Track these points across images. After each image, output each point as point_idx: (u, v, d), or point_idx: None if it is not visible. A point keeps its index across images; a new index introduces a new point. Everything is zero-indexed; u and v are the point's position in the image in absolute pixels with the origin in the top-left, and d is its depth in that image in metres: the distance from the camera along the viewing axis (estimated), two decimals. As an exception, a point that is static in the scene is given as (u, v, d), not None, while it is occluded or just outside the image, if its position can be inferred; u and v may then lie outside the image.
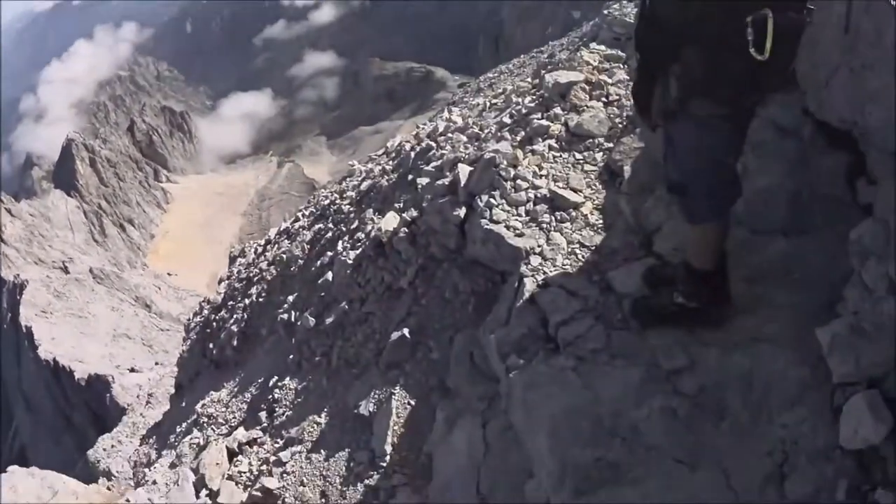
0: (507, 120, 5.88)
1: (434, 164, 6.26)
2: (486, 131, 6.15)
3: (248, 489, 5.43)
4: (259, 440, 6.23)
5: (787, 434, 2.44)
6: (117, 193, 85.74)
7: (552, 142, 4.98)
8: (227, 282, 13.77)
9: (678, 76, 2.33)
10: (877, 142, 2.51)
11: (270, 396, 6.80)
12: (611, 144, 4.72)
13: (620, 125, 4.85)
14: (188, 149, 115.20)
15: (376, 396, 5.15)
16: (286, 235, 11.95)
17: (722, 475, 2.51)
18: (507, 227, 4.33)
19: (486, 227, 4.45)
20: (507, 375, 3.45)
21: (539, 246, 4.07)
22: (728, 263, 2.90)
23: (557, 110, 5.30)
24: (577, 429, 2.88)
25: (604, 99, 5.29)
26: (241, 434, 6.40)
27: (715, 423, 2.68)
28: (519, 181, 4.62)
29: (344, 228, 8.62)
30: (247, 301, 10.87)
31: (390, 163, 8.99)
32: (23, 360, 45.53)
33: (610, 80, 5.42)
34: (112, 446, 14.40)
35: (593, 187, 4.46)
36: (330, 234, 9.03)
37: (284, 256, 10.30)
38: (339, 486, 4.76)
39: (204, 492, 5.73)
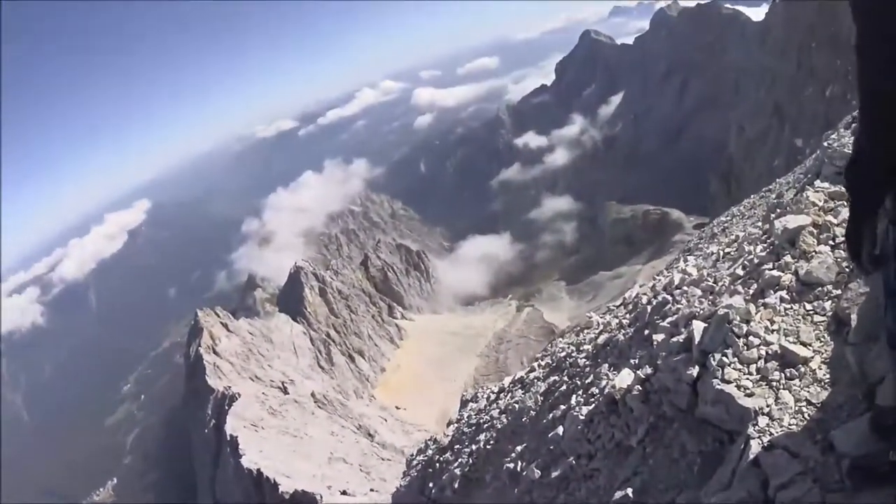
0: (739, 272, 6.25)
1: (669, 319, 6.69)
2: (720, 284, 6.51)
3: None
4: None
5: None
6: (348, 325, 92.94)
7: (783, 293, 5.23)
8: (456, 425, 14.87)
9: (890, 220, 2.47)
10: None
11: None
12: (839, 291, 4.87)
13: (848, 269, 4.98)
14: (425, 288, 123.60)
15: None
16: (520, 385, 12.80)
17: None
18: (738, 387, 4.62)
19: (717, 387, 4.78)
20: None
21: (768, 405, 4.32)
22: None
23: (788, 258, 5.57)
24: None
25: (831, 242, 5.48)
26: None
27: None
28: (751, 338, 4.92)
29: (578, 382, 9.25)
30: (474, 447, 11.72)
31: (627, 316, 9.51)
32: (220, 465, 50.49)
33: (835, 221, 5.61)
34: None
35: (822, 339, 4.61)
36: (564, 387, 9.69)
37: (517, 406, 11.09)
38: None
39: None
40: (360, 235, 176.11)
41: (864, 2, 2.07)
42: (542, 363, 12.83)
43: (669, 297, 7.58)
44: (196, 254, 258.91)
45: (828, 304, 4.89)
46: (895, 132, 2.17)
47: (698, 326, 5.62)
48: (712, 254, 8.73)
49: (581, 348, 10.61)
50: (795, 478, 3.62)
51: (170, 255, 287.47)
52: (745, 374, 4.74)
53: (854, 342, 4.15)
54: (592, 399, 7.91)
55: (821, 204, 6.00)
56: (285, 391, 61.23)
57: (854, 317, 4.32)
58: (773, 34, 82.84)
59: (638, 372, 6.69)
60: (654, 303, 7.99)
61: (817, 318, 4.86)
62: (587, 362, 9.63)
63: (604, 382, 7.94)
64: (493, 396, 14.49)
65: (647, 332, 7.66)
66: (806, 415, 4.12)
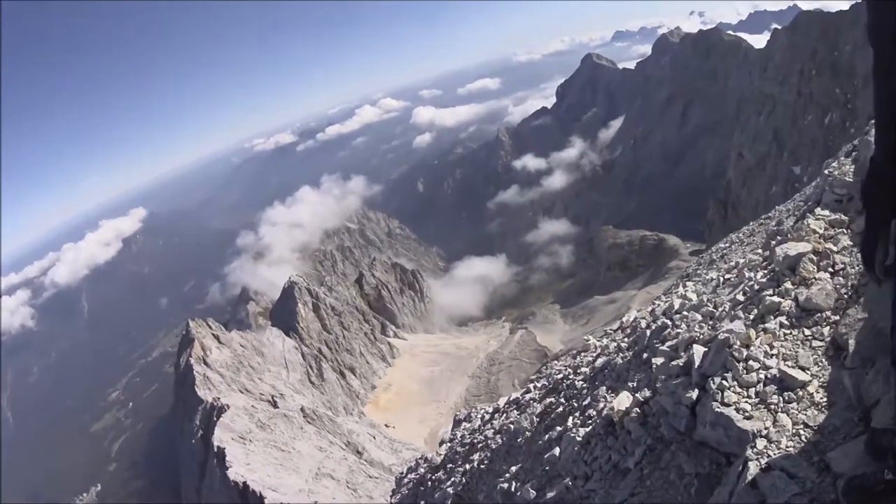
0: (740, 297, 6.37)
1: (669, 343, 6.80)
2: (720, 309, 6.66)
3: None
4: None
5: None
6: (340, 341, 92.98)
7: (783, 318, 5.36)
8: (448, 444, 14.94)
9: None
10: None
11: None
12: (837, 317, 5.01)
13: (846, 296, 5.14)
14: (418, 307, 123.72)
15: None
16: (516, 406, 12.90)
17: None
18: (737, 410, 4.74)
19: (717, 409, 4.89)
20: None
21: (766, 428, 4.44)
22: None
23: (788, 285, 5.70)
24: None
25: (830, 269, 5.63)
26: None
27: None
28: (751, 362, 5.04)
29: (576, 404, 9.36)
30: (468, 466, 11.80)
31: (625, 339, 9.64)
32: (207, 476, 50.40)
33: (835, 248, 5.76)
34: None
35: (820, 364, 4.75)
36: (561, 408, 9.80)
37: (512, 427, 11.19)
38: None
39: None
40: (356, 253, 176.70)
41: (879, 27, 2.25)
42: (539, 385, 12.93)
43: (669, 322, 7.70)
44: (190, 264, 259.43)
45: (826, 330, 5.02)
46: None
47: (698, 350, 5.74)
48: (712, 279, 8.87)
49: (578, 371, 10.72)
50: (792, 499, 3.73)
51: (163, 264, 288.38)
52: (744, 397, 4.85)
53: (851, 367, 4.28)
54: (590, 421, 8.01)
55: (821, 231, 6.15)
56: (275, 405, 61.16)
57: (852, 342, 4.45)
58: (774, 61, 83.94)
59: (636, 395, 6.81)
60: (654, 327, 8.11)
61: (816, 343, 4.99)
62: (584, 385, 9.74)
63: (601, 405, 8.04)
64: (487, 417, 14.56)
65: (645, 355, 7.81)
66: (803, 437, 4.24)
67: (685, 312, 7.50)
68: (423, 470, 15.24)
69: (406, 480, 15.97)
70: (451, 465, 13.33)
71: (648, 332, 8.23)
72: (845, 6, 70.65)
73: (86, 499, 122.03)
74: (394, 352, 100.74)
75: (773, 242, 6.93)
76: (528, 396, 12.63)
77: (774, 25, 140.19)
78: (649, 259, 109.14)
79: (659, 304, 9.99)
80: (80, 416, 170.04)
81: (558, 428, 9.13)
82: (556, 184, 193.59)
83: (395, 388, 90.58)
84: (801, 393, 4.58)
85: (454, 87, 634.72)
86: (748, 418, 4.65)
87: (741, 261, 8.36)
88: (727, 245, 19.51)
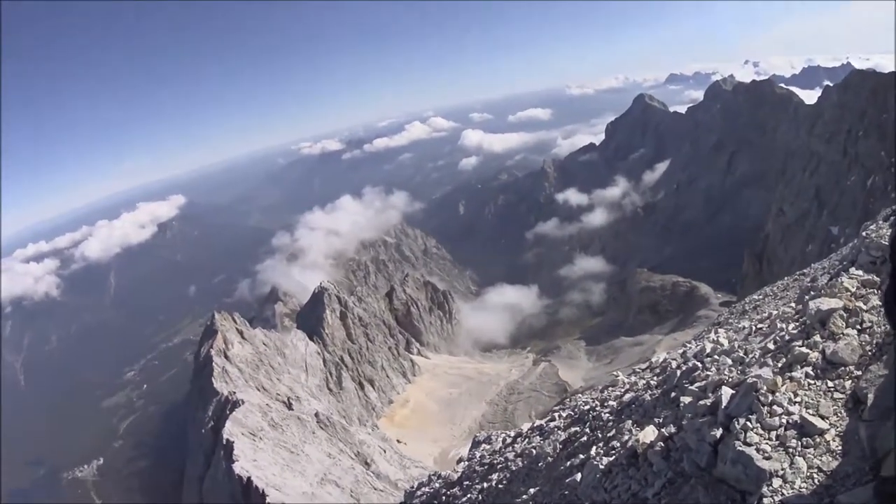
0: (770, 346, 6.76)
1: (698, 384, 7.18)
2: (750, 355, 7.02)
3: None
4: None
5: None
6: (363, 352, 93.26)
7: (809, 369, 5.76)
8: (466, 462, 15.28)
9: None
10: None
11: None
12: (860, 372, 5.37)
13: (871, 352, 5.51)
14: (445, 328, 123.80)
15: None
16: (539, 432, 13.21)
17: None
18: (758, 450, 5.10)
19: (738, 448, 5.24)
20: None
21: (783, 469, 4.81)
22: None
23: (817, 338, 6.11)
24: None
25: (858, 326, 6.02)
26: None
27: None
28: (775, 406, 5.42)
29: (600, 435, 9.71)
30: (485, 484, 12.14)
31: (654, 378, 9.96)
32: (212, 467, 50.80)
33: (865, 307, 6.15)
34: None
35: (839, 415, 5.10)
36: (585, 437, 10.15)
37: (534, 451, 11.52)
38: None
39: None
40: (390, 266, 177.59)
41: None
42: (563, 414, 13.22)
43: (699, 364, 8.06)
44: (222, 257, 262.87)
45: (848, 383, 5.41)
46: None
47: (727, 392, 6.11)
48: (744, 328, 9.20)
49: (605, 403, 11.02)
50: (801, 535, 4.12)
51: (196, 253, 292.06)
52: (765, 439, 5.22)
53: (868, 419, 4.57)
54: (613, 451, 8.32)
55: (853, 290, 6.53)
56: (289, 406, 61.44)
57: (871, 396, 4.76)
58: (823, 118, 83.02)
59: (662, 430, 7.12)
60: (684, 368, 8.45)
61: (837, 394, 5.37)
62: (611, 417, 10.06)
63: (626, 437, 8.37)
64: (509, 440, 14.83)
65: (674, 394, 8.13)
66: (816, 480, 4.61)
67: (716, 356, 7.86)
68: (437, 485, 15.53)
69: (419, 493, 16.29)
70: (467, 482, 13.62)
71: (679, 372, 8.57)
72: (898, 67, 70.06)
73: (86, 471, 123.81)
74: (415, 369, 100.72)
75: (807, 297, 7.28)
76: (552, 424, 12.89)
77: (826, 82, 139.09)
78: (679, 305, 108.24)
79: (690, 347, 10.31)
80: (93, 390, 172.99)
81: (581, 455, 9.43)
82: (596, 221, 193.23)
83: (412, 405, 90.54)
84: (818, 440, 4.95)
85: (505, 114, 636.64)
86: (767, 458, 5.00)
87: (774, 312, 8.69)
88: (760, 297, 19.68)
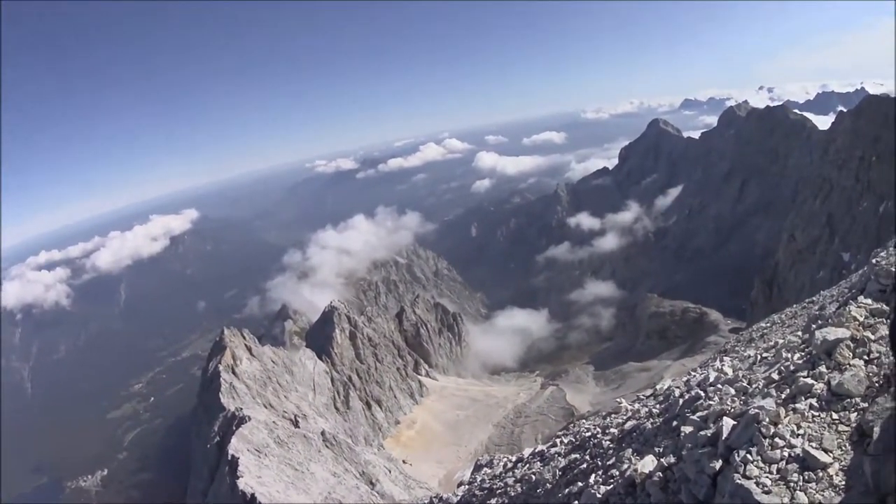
0: (775, 376, 6.59)
1: (700, 413, 6.99)
2: (753, 385, 6.85)
3: None
4: None
5: None
6: (371, 372, 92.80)
7: (813, 401, 5.58)
8: (467, 486, 15.10)
9: None
10: None
11: None
12: (866, 405, 5.20)
13: (878, 384, 5.33)
14: (454, 350, 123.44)
15: None
16: (540, 458, 13.05)
17: None
18: (758, 484, 4.92)
19: (737, 481, 5.07)
20: None
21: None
22: None
23: (822, 368, 5.94)
24: None
25: (865, 357, 5.84)
26: None
27: None
28: (777, 439, 5.26)
29: (600, 463, 9.53)
30: (483, 509, 12.00)
31: (657, 406, 9.80)
32: (216, 482, 50.52)
33: (873, 337, 5.96)
34: None
35: (843, 448, 4.93)
36: (585, 465, 9.97)
37: (534, 477, 11.35)
38: None
39: None
40: (400, 287, 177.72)
41: None
42: (565, 440, 13.07)
43: (702, 393, 7.91)
44: (234, 273, 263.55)
45: (853, 416, 5.23)
46: None
47: (728, 423, 5.95)
48: (749, 356, 9.02)
49: (607, 431, 10.87)
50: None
51: (207, 268, 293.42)
52: (765, 472, 5.05)
53: (873, 454, 4.42)
54: (611, 480, 8.17)
55: (861, 319, 6.35)
56: (296, 424, 61.20)
57: (877, 429, 4.60)
58: (836, 144, 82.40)
59: (661, 460, 6.98)
60: (687, 396, 8.30)
61: (842, 427, 5.19)
62: (611, 445, 9.89)
63: (625, 466, 8.22)
64: (510, 465, 14.68)
65: (675, 423, 7.99)
66: (818, 516, 4.40)
67: (719, 385, 7.69)
68: (437, 507, 15.36)
69: (419, 515, 16.09)
70: (466, 505, 13.46)
71: (681, 400, 8.41)
72: (912, 91, 69.77)
73: (90, 481, 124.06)
74: (423, 390, 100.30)
75: (814, 326, 7.11)
76: (553, 450, 12.77)
77: (840, 108, 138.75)
78: (688, 331, 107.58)
79: (694, 376, 10.14)
80: (99, 401, 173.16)
81: (580, 483, 9.28)
82: (607, 245, 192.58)
83: (419, 426, 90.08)
84: (821, 474, 4.77)
85: (520, 136, 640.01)
86: (766, 493, 4.82)
87: (780, 341, 8.52)
88: (768, 325, 19.45)
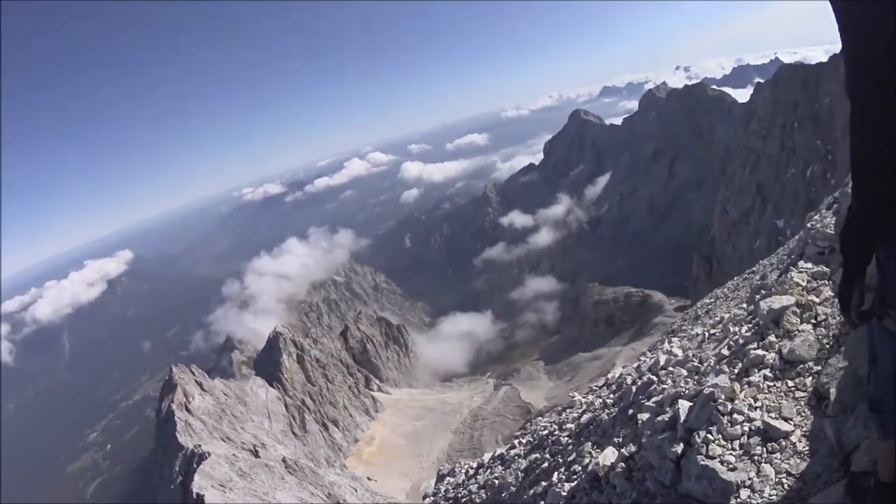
0: (725, 352, 6.52)
1: (655, 398, 6.90)
2: (705, 364, 6.78)
3: None
4: None
5: None
6: (324, 393, 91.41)
7: (767, 371, 5.52)
8: (432, 498, 14.79)
9: (877, 285, 2.74)
10: None
11: None
12: (819, 367, 5.18)
13: (828, 346, 5.32)
14: (403, 362, 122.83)
15: None
16: (500, 461, 12.86)
17: None
18: (722, 462, 4.82)
19: (701, 462, 4.97)
20: None
21: (749, 479, 4.53)
22: None
23: (772, 338, 5.89)
24: None
25: (813, 321, 5.82)
26: None
27: None
28: (735, 415, 5.16)
29: (561, 460, 9.36)
30: (451, 520, 11.73)
31: (611, 396, 9.71)
32: None
33: (818, 300, 5.97)
34: None
35: (803, 414, 4.87)
36: (546, 464, 9.78)
37: (497, 482, 11.14)
38: None
39: None
40: (342, 306, 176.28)
41: (855, 80, 2.37)
42: (524, 441, 12.94)
43: (655, 378, 7.81)
44: (174, 310, 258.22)
45: (809, 380, 5.18)
46: (882, 196, 2.48)
47: (684, 405, 5.84)
48: (697, 335, 9.00)
49: (563, 427, 10.71)
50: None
51: (148, 308, 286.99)
52: (728, 449, 4.95)
53: (832, 415, 4.42)
54: (575, 476, 8.01)
55: (804, 284, 6.35)
56: (256, 454, 60.02)
57: (833, 390, 4.61)
58: (757, 115, 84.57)
59: (622, 450, 6.83)
60: (640, 383, 8.21)
61: (799, 393, 5.14)
62: (570, 440, 9.74)
63: (586, 460, 8.06)
64: (471, 472, 14.46)
65: (631, 411, 7.85)
66: (786, 485, 4.34)
67: (671, 368, 7.61)
68: (405, 523, 15.06)
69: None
70: (434, 518, 13.18)
71: (634, 388, 8.32)
72: (825, 58, 72.19)
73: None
74: (377, 405, 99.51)
75: (758, 297, 7.10)
76: (512, 452, 12.63)
77: (757, 79, 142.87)
78: (634, 315, 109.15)
79: (644, 361, 10.09)
80: (56, 456, 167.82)
81: (543, 483, 9.10)
82: (542, 241, 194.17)
83: (378, 441, 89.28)
84: (784, 443, 4.69)
85: (443, 142, 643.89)
86: (732, 470, 4.73)
87: (726, 315, 8.51)
88: (712, 300, 19.69)
